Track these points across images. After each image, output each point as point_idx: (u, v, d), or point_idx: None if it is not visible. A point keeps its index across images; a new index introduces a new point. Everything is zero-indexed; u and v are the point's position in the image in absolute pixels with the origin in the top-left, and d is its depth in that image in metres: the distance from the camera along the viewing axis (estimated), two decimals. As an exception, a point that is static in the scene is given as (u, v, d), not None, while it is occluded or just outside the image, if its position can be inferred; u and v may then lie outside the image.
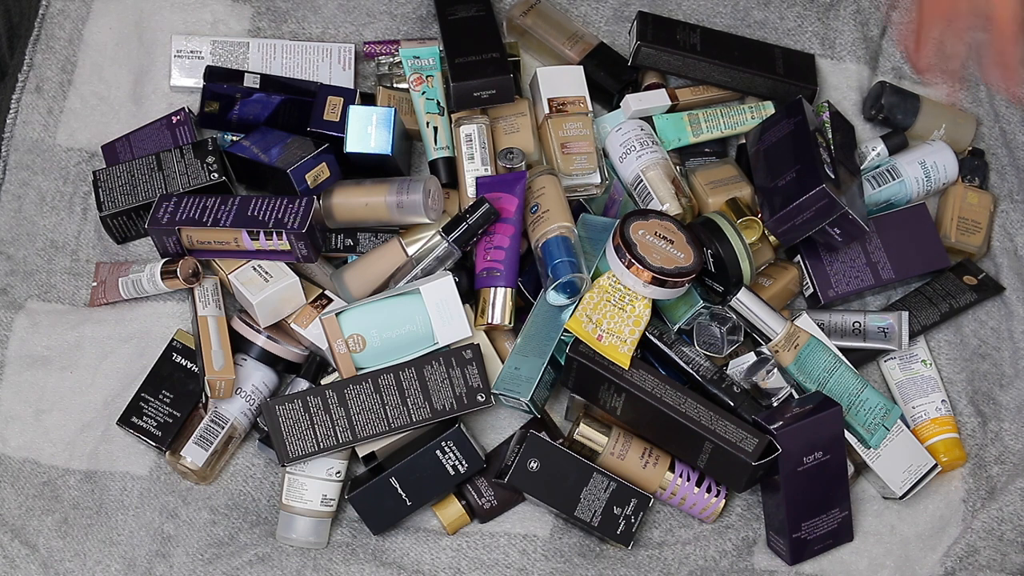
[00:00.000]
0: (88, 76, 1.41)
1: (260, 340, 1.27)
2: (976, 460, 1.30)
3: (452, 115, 1.34)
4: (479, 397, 1.21)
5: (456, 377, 1.21)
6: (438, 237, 1.25)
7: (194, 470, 1.23)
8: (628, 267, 1.21)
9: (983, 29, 1.47)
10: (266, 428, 1.23)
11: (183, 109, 1.37)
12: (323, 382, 1.26)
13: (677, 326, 1.27)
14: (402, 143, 1.35)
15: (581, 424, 1.24)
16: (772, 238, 1.33)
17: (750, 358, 1.28)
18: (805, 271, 1.34)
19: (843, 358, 1.26)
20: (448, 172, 1.33)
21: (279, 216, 1.23)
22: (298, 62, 1.40)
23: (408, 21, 1.45)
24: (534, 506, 1.26)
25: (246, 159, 1.31)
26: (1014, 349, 1.34)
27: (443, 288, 1.22)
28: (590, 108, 1.36)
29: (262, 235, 1.24)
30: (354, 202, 1.28)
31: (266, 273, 1.26)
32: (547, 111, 1.35)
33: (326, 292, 1.30)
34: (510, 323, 1.25)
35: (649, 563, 1.24)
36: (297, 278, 1.26)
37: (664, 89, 1.39)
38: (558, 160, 1.33)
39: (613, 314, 1.22)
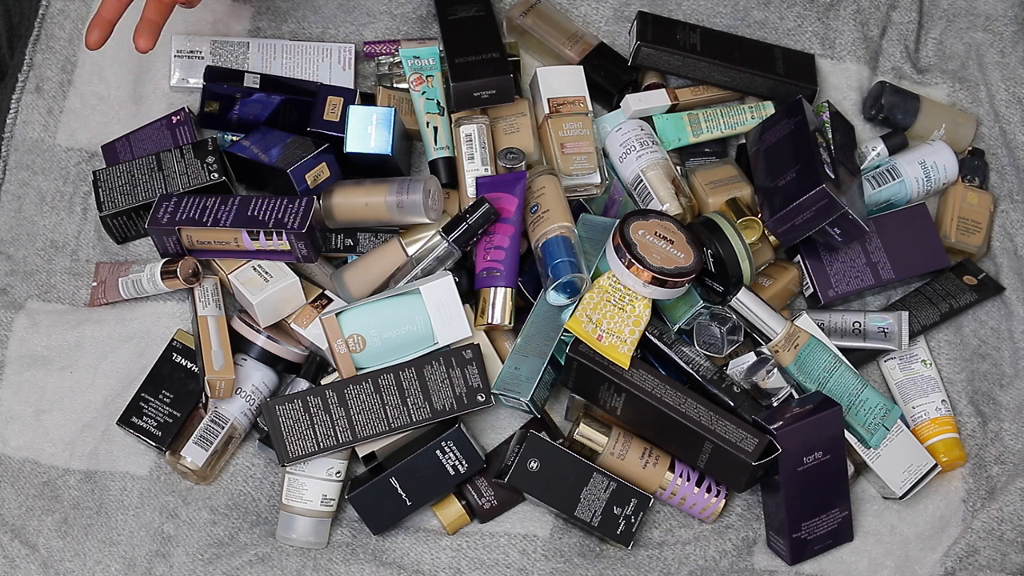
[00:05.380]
0: (88, 76, 1.41)
1: (260, 340, 1.27)
2: (976, 460, 1.30)
3: (452, 115, 1.34)
4: (479, 397, 1.21)
5: (456, 377, 1.21)
6: (438, 237, 1.25)
7: (194, 470, 1.23)
8: (628, 267, 1.21)
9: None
10: (266, 428, 1.23)
11: (183, 109, 1.37)
12: (323, 382, 1.26)
13: (677, 326, 1.27)
14: (402, 143, 1.35)
15: (581, 424, 1.24)
16: (772, 238, 1.33)
17: (750, 358, 1.28)
18: (805, 271, 1.34)
19: (843, 358, 1.26)
20: (448, 172, 1.33)
21: (279, 216, 1.23)
22: (298, 62, 1.40)
23: (408, 21, 1.45)
24: (534, 506, 1.26)
25: (246, 159, 1.31)
26: (1014, 349, 1.34)
27: (443, 288, 1.22)
28: (590, 108, 1.36)
29: (262, 235, 1.24)
30: (354, 202, 1.28)
31: (266, 273, 1.26)
32: (547, 111, 1.35)
33: (326, 292, 1.30)
34: (510, 323, 1.25)
35: (649, 563, 1.24)
36: (297, 278, 1.26)
37: (664, 89, 1.39)
38: (558, 160, 1.33)
39: (613, 314, 1.22)
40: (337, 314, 1.22)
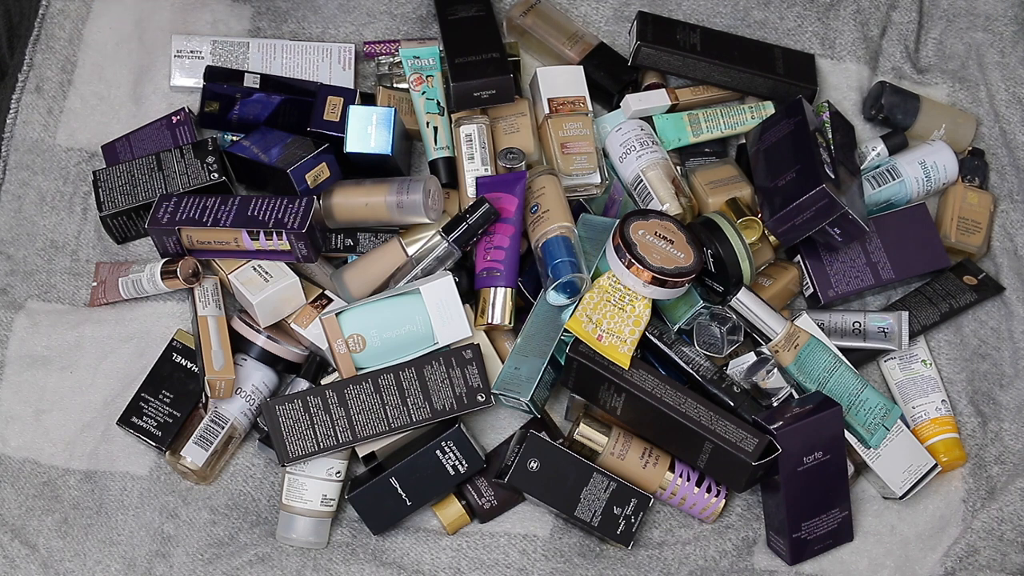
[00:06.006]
0: (88, 76, 1.41)
1: (260, 340, 1.27)
2: (976, 460, 1.30)
3: (452, 115, 1.34)
4: (479, 397, 1.21)
5: (456, 377, 1.21)
6: (438, 237, 1.25)
7: (194, 470, 1.23)
8: (628, 267, 1.21)
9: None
10: (266, 428, 1.23)
11: (183, 109, 1.37)
12: (323, 382, 1.26)
13: (677, 326, 1.27)
14: (402, 143, 1.35)
15: (581, 424, 1.24)
16: (772, 238, 1.33)
17: (750, 358, 1.28)
18: (805, 271, 1.34)
19: (843, 358, 1.26)
20: (448, 172, 1.33)
21: (279, 216, 1.23)
22: (298, 62, 1.40)
23: (408, 21, 1.45)
24: (534, 506, 1.26)
25: (246, 159, 1.31)
26: (1014, 349, 1.34)
27: (443, 288, 1.22)
28: (590, 108, 1.36)
29: (262, 235, 1.24)
30: (354, 202, 1.28)
31: (266, 273, 1.26)
32: (547, 111, 1.35)
33: (326, 292, 1.30)
34: (510, 323, 1.25)
35: (649, 563, 1.24)
36: (297, 278, 1.26)
37: (664, 89, 1.39)
38: (558, 160, 1.33)
39: (613, 314, 1.22)
40: (337, 314, 1.22)
